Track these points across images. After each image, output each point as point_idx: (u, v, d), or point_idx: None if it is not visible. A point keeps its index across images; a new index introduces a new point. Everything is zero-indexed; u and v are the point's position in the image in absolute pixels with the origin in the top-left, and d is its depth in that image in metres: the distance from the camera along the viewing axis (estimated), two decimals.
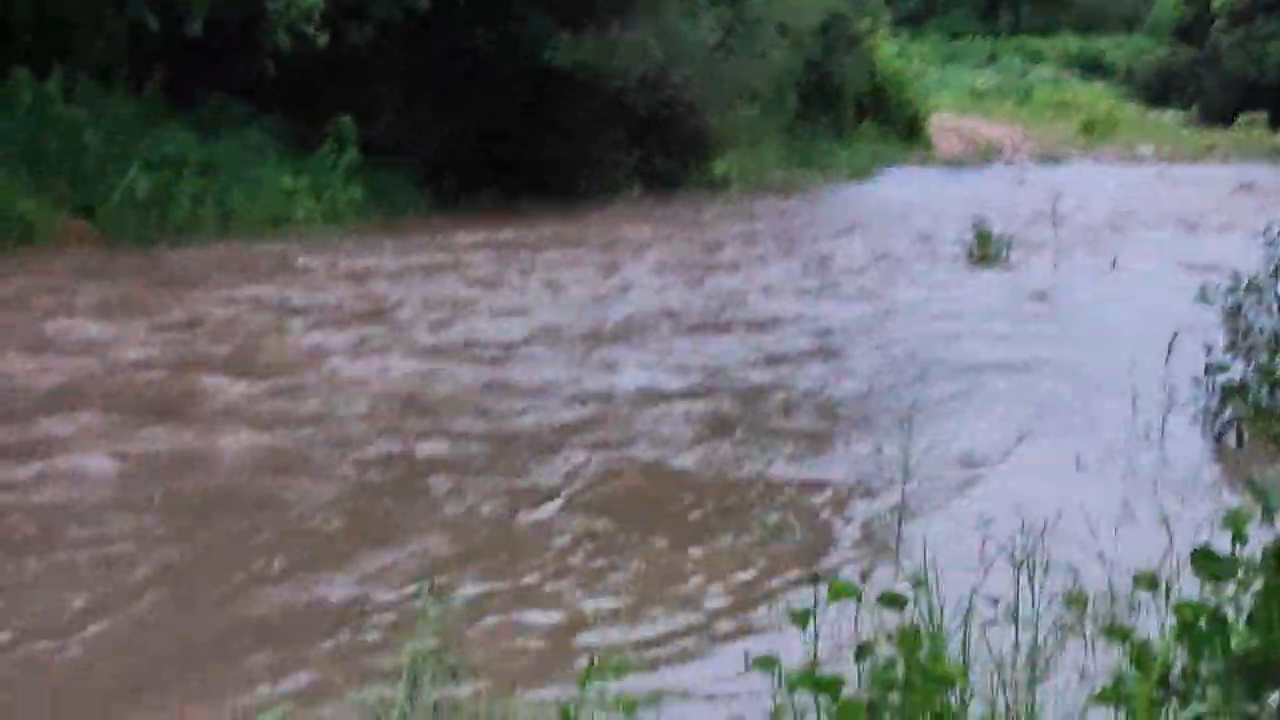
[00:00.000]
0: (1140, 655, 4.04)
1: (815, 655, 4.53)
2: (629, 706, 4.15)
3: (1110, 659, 4.68)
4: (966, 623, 4.48)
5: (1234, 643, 3.82)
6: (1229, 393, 8.57)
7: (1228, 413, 8.45)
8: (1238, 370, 8.65)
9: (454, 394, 9.08)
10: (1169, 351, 8.97)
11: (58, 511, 6.55)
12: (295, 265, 14.52)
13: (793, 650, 4.61)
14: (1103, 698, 4.04)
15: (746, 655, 4.80)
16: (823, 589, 4.66)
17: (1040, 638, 4.74)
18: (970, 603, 4.60)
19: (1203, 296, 9.00)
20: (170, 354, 10.01)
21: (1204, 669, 3.82)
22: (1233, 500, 6.84)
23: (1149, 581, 4.78)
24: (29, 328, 10.76)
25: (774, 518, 6.58)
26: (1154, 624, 4.81)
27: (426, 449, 7.75)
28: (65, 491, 6.82)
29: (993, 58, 56.31)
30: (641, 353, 10.52)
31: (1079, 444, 7.91)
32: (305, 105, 18.23)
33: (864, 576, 4.81)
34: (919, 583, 4.67)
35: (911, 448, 6.18)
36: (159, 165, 16.99)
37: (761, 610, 5.36)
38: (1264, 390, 8.29)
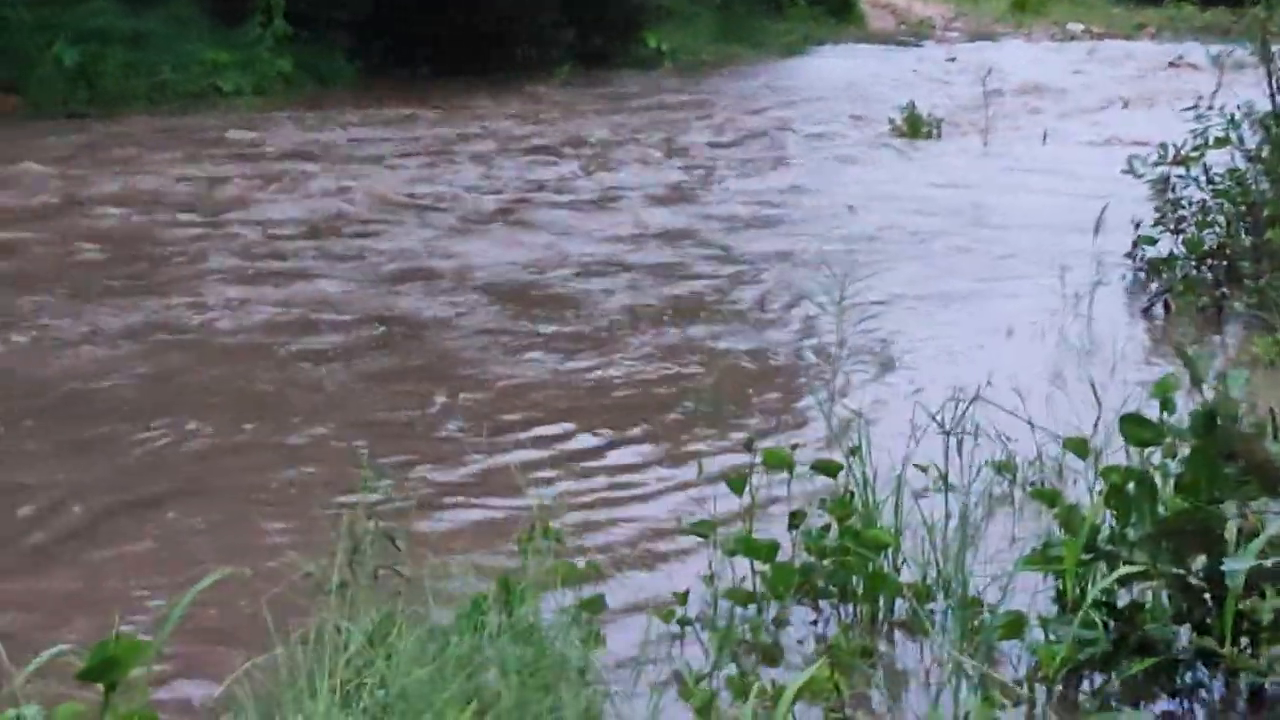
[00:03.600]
0: (1068, 518, 4.12)
1: (750, 520, 4.62)
2: (568, 573, 4.20)
3: (1039, 525, 4.79)
4: (898, 490, 4.54)
5: (1161, 507, 3.89)
6: (1156, 266, 8.68)
7: (1154, 285, 8.56)
8: (1166, 243, 8.75)
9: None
10: (1097, 226, 9.05)
11: None
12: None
13: (726, 516, 4.70)
14: (1031, 561, 4.12)
15: (679, 520, 4.91)
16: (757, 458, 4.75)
17: (971, 504, 4.76)
18: (901, 470, 4.67)
19: (1131, 169, 9.05)
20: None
21: (1132, 533, 3.89)
22: (1159, 370, 6.94)
23: (1077, 446, 4.88)
24: None
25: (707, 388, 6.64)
26: (1082, 490, 4.95)
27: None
28: None
29: None
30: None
31: (1007, 315, 8.01)
32: None
33: (794, 447, 4.83)
34: (853, 451, 4.74)
35: (842, 322, 6.24)
36: (87, 38, 16.79)
37: (693, 477, 5.34)
38: (1191, 263, 8.38)
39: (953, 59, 25.07)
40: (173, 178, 12.05)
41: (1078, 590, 3.91)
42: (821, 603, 4.38)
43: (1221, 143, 8.49)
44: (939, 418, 5.27)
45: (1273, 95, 8.23)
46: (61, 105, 16.07)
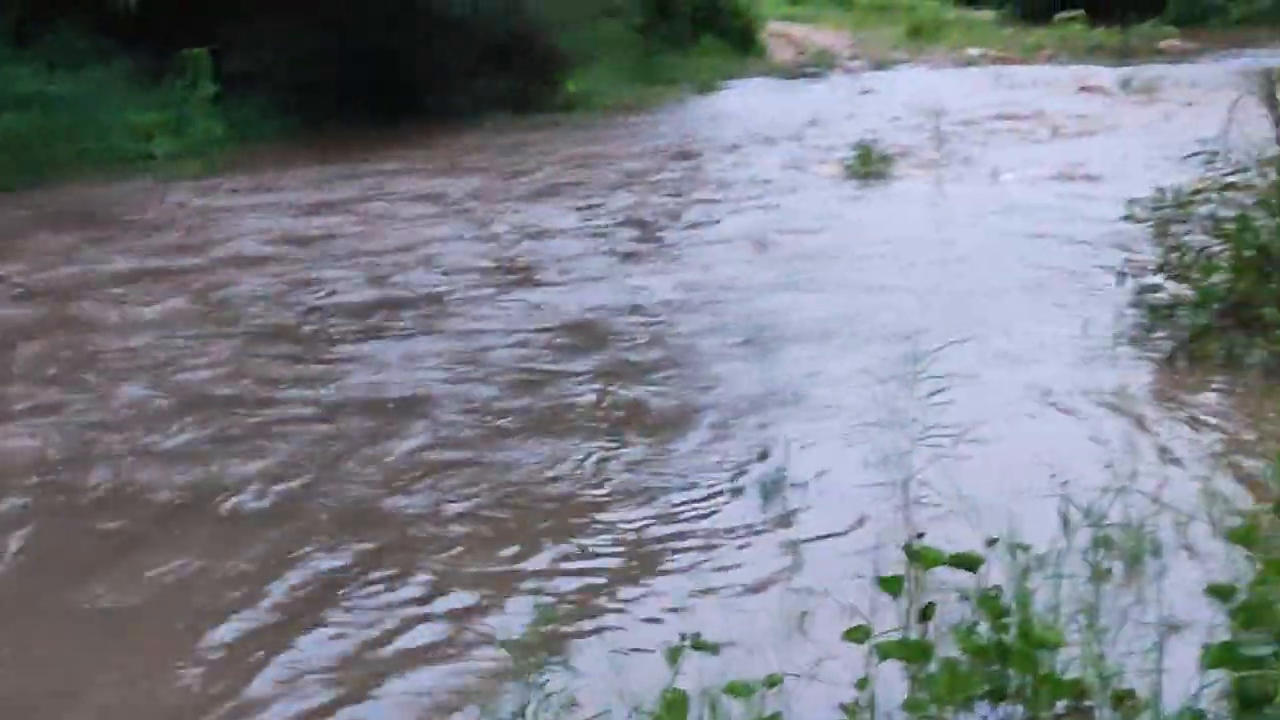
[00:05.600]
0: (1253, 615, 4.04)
1: (908, 624, 4.50)
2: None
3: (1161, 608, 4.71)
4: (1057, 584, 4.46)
5: None
6: (1162, 313, 8.66)
7: (1161, 333, 8.54)
8: (1169, 290, 8.74)
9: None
10: (1119, 278, 9.01)
11: None
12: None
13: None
14: (1221, 660, 4.02)
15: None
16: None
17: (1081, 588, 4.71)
18: (1056, 564, 4.58)
19: (1130, 215, 9.05)
20: None
21: None
22: (1221, 424, 6.94)
23: (1245, 536, 4.76)
24: None
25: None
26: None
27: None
28: None
29: None
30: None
31: (1036, 376, 7.91)
32: (164, 38, 17.78)
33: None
34: (991, 541, 4.64)
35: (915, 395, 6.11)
36: (9, 105, 16.45)
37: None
38: (1206, 311, 8.35)
39: (867, 91, 25.19)
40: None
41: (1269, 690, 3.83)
42: (977, 704, 4.28)
43: (1231, 187, 8.48)
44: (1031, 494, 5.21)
45: None
46: None
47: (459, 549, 5.78)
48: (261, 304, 10.01)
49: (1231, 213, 8.50)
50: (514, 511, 6.18)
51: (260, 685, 4.78)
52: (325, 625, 5.17)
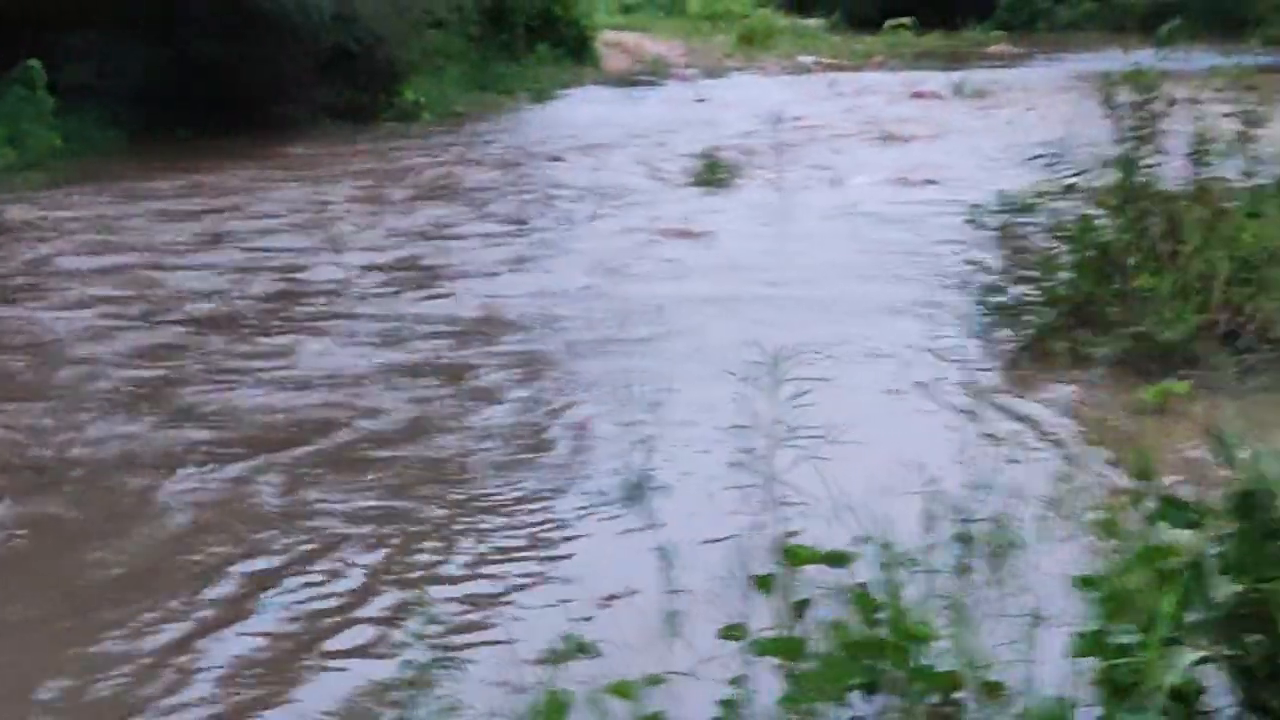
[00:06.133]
0: (1121, 601, 4.16)
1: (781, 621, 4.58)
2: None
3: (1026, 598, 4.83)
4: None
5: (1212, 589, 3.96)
6: (1006, 313, 8.86)
7: (1006, 333, 8.74)
8: (1015, 291, 8.93)
9: None
10: (966, 280, 9.19)
11: None
12: None
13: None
14: (1088, 648, 4.15)
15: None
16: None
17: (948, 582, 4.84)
18: (924, 557, 4.69)
19: (974, 218, 9.22)
20: None
21: (1189, 617, 3.95)
22: (1071, 419, 7.12)
23: (1109, 527, 4.90)
24: None
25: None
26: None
27: None
28: None
29: None
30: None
31: (885, 375, 8.04)
32: (3, 50, 17.50)
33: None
34: (864, 539, 4.74)
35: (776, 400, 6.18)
36: None
37: None
38: (1052, 311, 8.53)
39: (702, 99, 25.36)
40: None
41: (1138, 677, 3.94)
42: (851, 697, 4.37)
43: (1070, 189, 8.67)
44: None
45: (1120, 141, 8.41)
46: None
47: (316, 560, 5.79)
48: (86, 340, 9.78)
49: (1073, 215, 8.71)
50: (376, 523, 6.19)
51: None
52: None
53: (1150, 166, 8.36)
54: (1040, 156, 8.74)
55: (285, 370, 8.57)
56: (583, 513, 6.17)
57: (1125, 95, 8.37)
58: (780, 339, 6.68)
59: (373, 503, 6.37)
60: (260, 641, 5.12)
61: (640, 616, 5.04)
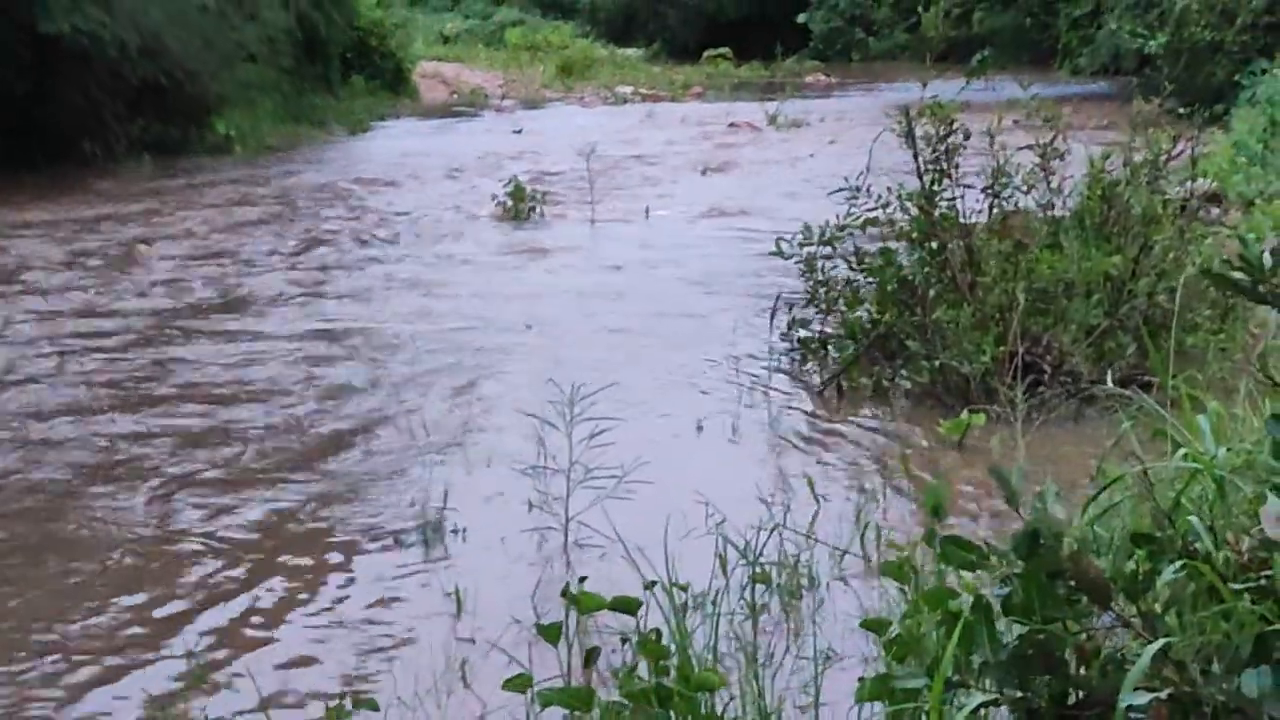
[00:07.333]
0: (905, 648, 4.11)
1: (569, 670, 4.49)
2: None
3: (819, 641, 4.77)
4: (715, 625, 4.48)
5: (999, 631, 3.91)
6: (809, 346, 8.85)
7: (810, 366, 8.75)
8: (818, 323, 8.92)
9: None
10: (773, 313, 9.16)
11: None
12: None
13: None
14: (874, 694, 4.09)
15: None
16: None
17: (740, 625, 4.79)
18: (717, 604, 4.62)
19: (779, 250, 9.17)
20: None
21: (975, 659, 3.90)
22: (871, 454, 7.11)
23: (896, 570, 4.85)
24: None
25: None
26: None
27: None
28: None
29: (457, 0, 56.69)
30: None
31: (689, 410, 7.97)
32: None
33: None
34: (649, 585, 4.65)
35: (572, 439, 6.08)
36: None
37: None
38: (852, 343, 8.52)
39: (519, 130, 25.32)
40: None
41: None
42: None
43: (873, 222, 8.66)
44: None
45: (920, 174, 8.42)
46: None
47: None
48: None
49: (875, 247, 8.71)
50: (144, 558, 6.00)
51: None
52: None
53: (950, 199, 8.37)
54: (843, 190, 8.69)
55: None
56: (373, 558, 6.02)
57: (923, 128, 8.37)
58: (581, 377, 6.58)
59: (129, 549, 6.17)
60: None
61: (427, 666, 4.90)
